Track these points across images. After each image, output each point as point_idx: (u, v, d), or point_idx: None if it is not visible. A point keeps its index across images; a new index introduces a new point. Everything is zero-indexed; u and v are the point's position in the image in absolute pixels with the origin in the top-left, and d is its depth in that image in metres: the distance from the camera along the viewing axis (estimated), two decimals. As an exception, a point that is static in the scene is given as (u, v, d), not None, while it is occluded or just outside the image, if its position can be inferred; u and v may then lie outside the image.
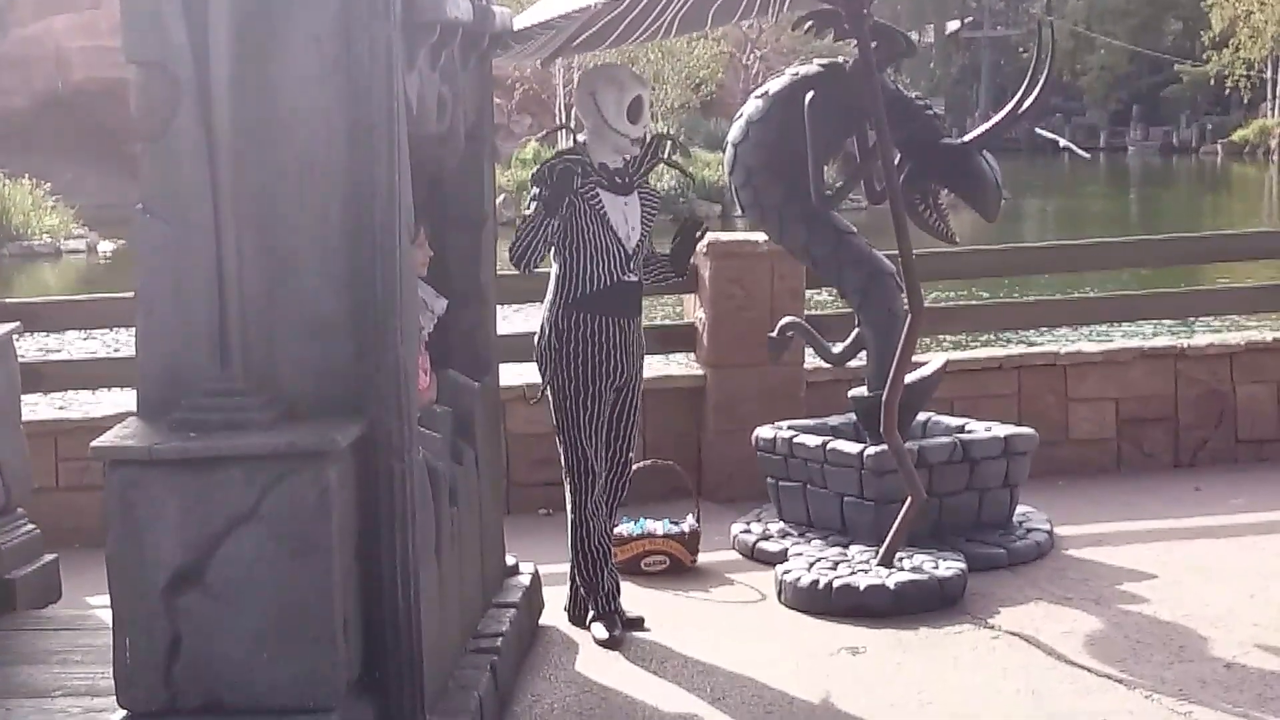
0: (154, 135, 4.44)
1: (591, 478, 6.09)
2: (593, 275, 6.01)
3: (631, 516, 6.92)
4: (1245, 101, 58.18)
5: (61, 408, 10.10)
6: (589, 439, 6.07)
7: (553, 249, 6.02)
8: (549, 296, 6.11)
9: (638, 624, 6.21)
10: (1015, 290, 16.91)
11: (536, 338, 6.16)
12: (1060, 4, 65.84)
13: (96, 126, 41.35)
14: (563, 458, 6.15)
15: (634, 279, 6.09)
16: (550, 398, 6.14)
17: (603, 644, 6.03)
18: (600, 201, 6.00)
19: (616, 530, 6.52)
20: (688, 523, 6.98)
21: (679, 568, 6.89)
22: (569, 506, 6.16)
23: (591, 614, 6.17)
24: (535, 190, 5.98)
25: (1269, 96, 56.84)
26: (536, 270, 6.05)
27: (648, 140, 6.19)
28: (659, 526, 6.92)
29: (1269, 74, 56.45)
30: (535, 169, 6.10)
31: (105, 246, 32.08)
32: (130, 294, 4.62)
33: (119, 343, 14.91)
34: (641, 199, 6.13)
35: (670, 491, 7.38)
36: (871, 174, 7.04)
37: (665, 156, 6.27)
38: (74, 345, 15.93)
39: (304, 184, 4.45)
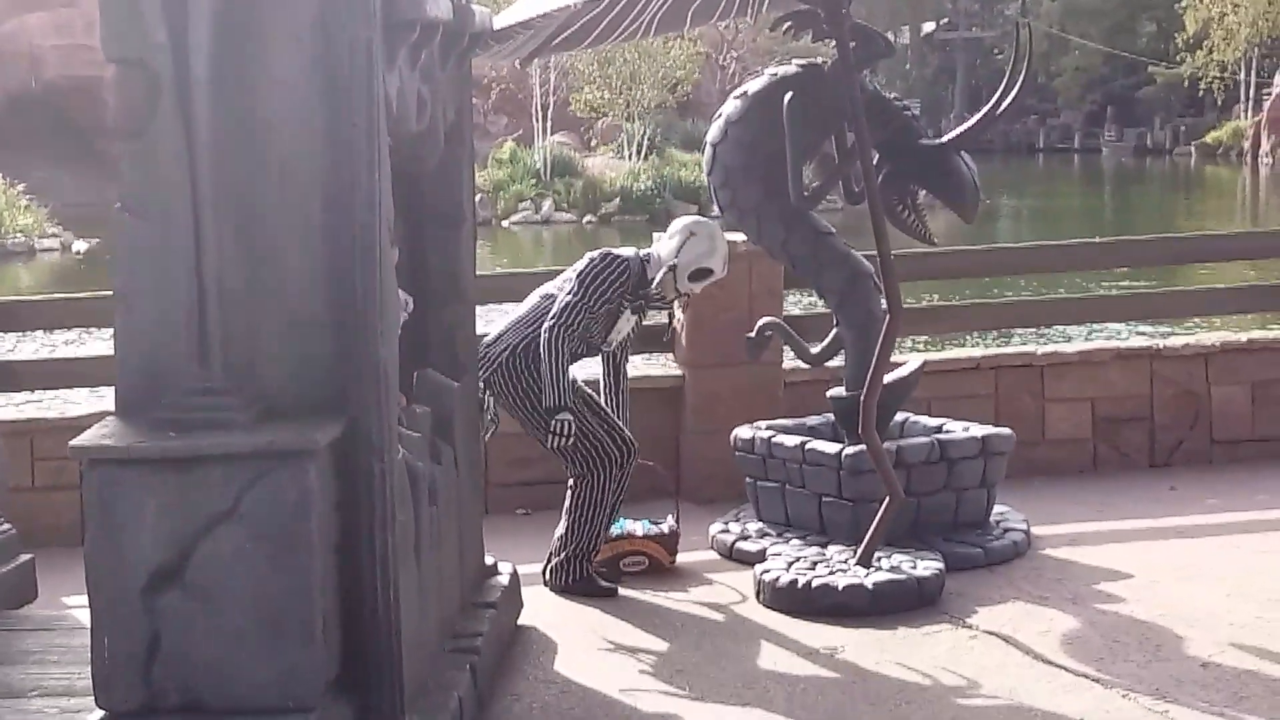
0: (133, 134, 4.43)
1: (610, 460, 6.57)
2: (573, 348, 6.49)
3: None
4: (1219, 103, 58.38)
5: (20, 404, 10.07)
6: (589, 428, 6.52)
7: (579, 300, 6.46)
8: (547, 328, 6.40)
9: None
10: (993, 291, 16.96)
11: (489, 341, 6.53)
12: (1035, 5, 65.95)
13: (70, 125, 41.23)
14: (573, 460, 6.55)
15: (590, 359, 6.74)
16: (519, 412, 6.55)
17: (611, 590, 6.60)
18: (620, 316, 6.58)
19: None
20: (667, 523, 6.98)
21: (658, 568, 6.90)
22: (584, 490, 6.57)
23: (577, 578, 6.60)
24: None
25: (1242, 98, 57.02)
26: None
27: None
28: (638, 527, 6.93)
29: (1242, 76, 56.64)
30: (624, 266, 6.54)
31: (79, 245, 31.99)
32: (108, 293, 4.61)
33: (91, 341, 14.87)
34: (638, 318, 6.74)
35: (649, 491, 7.37)
36: (850, 175, 7.06)
37: (669, 303, 6.95)
38: (49, 344, 15.87)
39: (284, 183, 4.44)
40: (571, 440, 6.43)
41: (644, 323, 6.96)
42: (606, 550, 6.78)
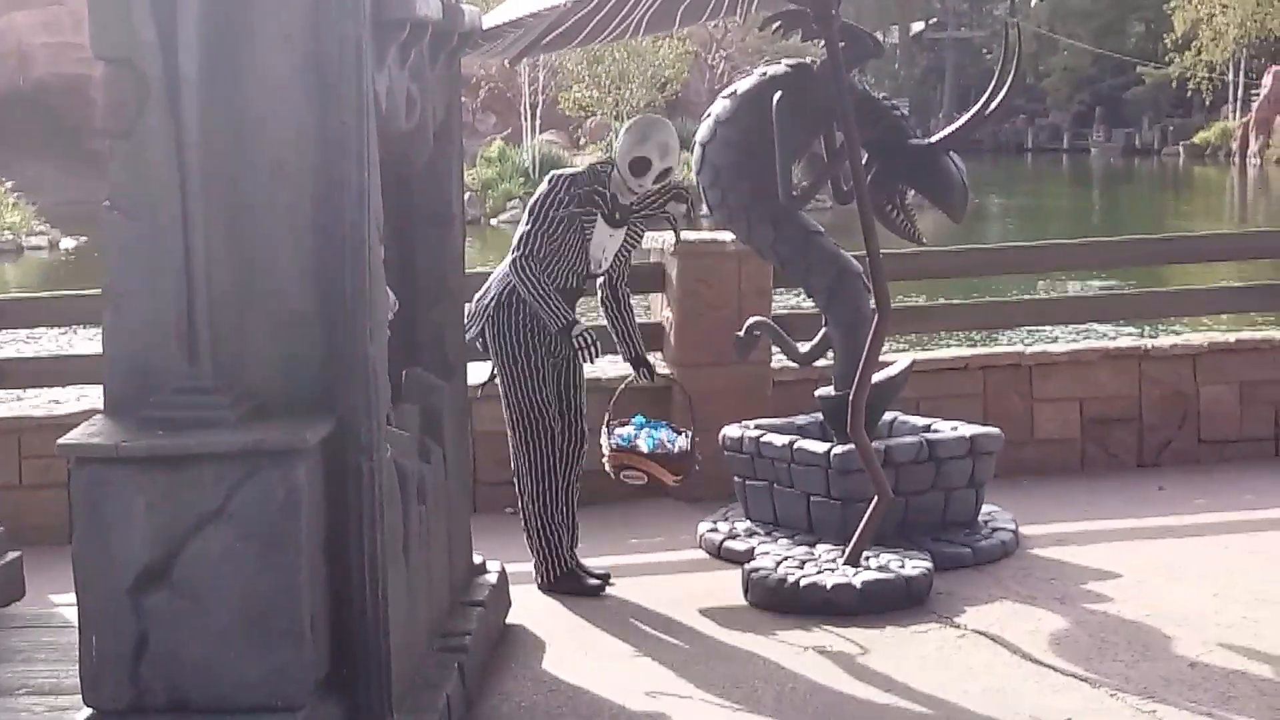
0: (122, 132, 4.42)
1: (550, 435, 6.46)
2: (551, 272, 6.40)
3: (649, 420, 6.80)
4: (1207, 104, 58.50)
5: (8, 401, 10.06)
6: (539, 394, 6.44)
7: (532, 227, 6.41)
8: (510, 262, 6.44)
9: (605, 579, 6.65)
10: (981, 291, 16.96)
11: (480, 296, 6.55)
12: (1024, 5, 66.10)
13: (59, 123, 41.17)
14: (517, 423, 6.50)
15: (584, 288, 6.59)
16: (497, 363, 6.50)
17: (596, 589, 6.47)
18: (591, 228, 6.44)
19: (616, 431, 6.70)
20: (680, 442, 6.75)
21: (658, 484, 6.75)
22: (530, 473, 6.51)
23: (558, 574, 6.54)
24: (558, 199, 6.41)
25: (1230, 99, 57.12)
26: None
27: (664, 189, 6.57)
28: (645, 441, 6.71)
29: (1230, 77, 56.74)
30: (570, 178, 6.47)
31: (67, 243, 31.96)
32: (96, 291, 4.61)
33: (79, 340, 14.85)
34: (627, 233, 6.58)
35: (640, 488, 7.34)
36: (839, 174, 7.06)
37: (663, 209, 6.66)
38: (32, 342, 15.85)
39: (273, 181, 4.44)
40: (596, 350, 6.37)
41: (638, 237, 6.72)
42: (612, 459, 6.68)
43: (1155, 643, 5.88)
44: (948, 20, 72.13)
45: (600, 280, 6.69)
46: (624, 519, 7.32)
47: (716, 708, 5.40)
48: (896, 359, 7.54)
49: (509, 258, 6.44)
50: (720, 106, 7.21)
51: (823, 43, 6.61)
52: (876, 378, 6.81)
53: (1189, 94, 57.76)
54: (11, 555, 6.07)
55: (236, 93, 4.40)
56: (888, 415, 7.32)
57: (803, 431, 7.31)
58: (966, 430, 7.22)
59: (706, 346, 8.12)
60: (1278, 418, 8.84)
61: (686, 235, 8.30)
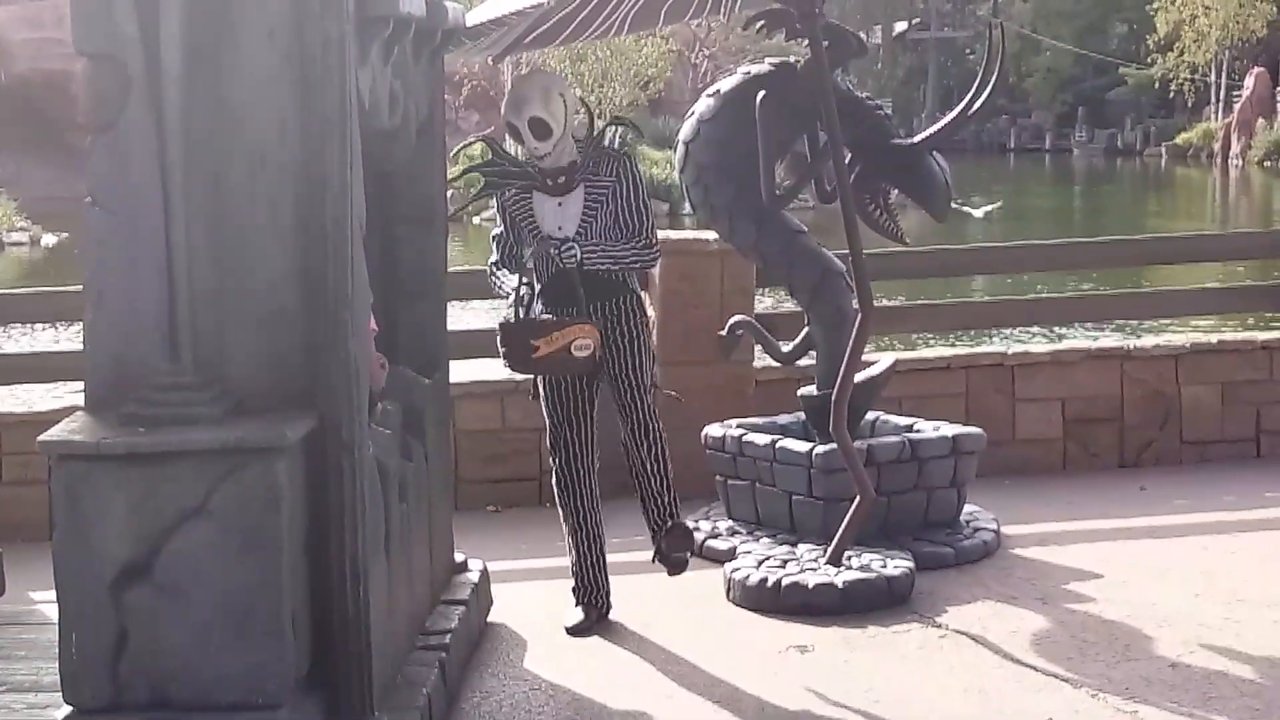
0: (104, 127, 4.42)
1: (566, 457, 6.11)
2: (534, 271, 6.10)
3: None
4: (1189, 105, 58.60)
5: None
6: (561, 420, 6.09)
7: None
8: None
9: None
10: (964, 290, 16.98)
11: None
12: (1007, 6, 66.17)
13: (41, 119, 41.05)
14: (548, 428, 6.16)
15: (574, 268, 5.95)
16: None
17: (569, 630, 6.10)
18: (527, 204, 6.03)
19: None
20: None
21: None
22: (555, 492, 6.21)
23: (575, 601, 6.22)
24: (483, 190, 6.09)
25: (1212, 100, 57.25)
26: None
27: (597, 135, 6.19)
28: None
29: (1213, 78, 56.87)
30: (477, 172, 6.14)
31: (48, 239, 31.87)
32: (77, 287, 4.59)
33: (60, 336, 14.81)
34: (586, 191, 6.05)
35: (620, 488, 7.33)
36: (822, 173, 7.06)
37: (608, 147, 6.20)
38: (12, 338, 15.81)
39: (255, 177, 4.43)
40: (528, 302, 5.96)
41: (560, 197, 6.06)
42: (553, 342, 6.00)
43: (1136, 643, 5.89)
44: (931, 20, 72.15)
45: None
46: (606, 517, 7.30)
47: (698, 706, 5.39)
48: (879, 359, 7.55)
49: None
50: (703, 105, 7.21)
51: (806, 42, 6.61)
52: (859, 377, 6.81)
53: (1171, 95, 57.85)
54: (-9, 552, 6.06)
55: (219, 88, 4.40)
56: (870, 415, 7.32)
57: (785, 431, 7.30)
58: (949, 430, 7.23)
59: (689, 345, 8.11)
60: (1259, 418, 8.86)
61: (669, 234, 8.31)
